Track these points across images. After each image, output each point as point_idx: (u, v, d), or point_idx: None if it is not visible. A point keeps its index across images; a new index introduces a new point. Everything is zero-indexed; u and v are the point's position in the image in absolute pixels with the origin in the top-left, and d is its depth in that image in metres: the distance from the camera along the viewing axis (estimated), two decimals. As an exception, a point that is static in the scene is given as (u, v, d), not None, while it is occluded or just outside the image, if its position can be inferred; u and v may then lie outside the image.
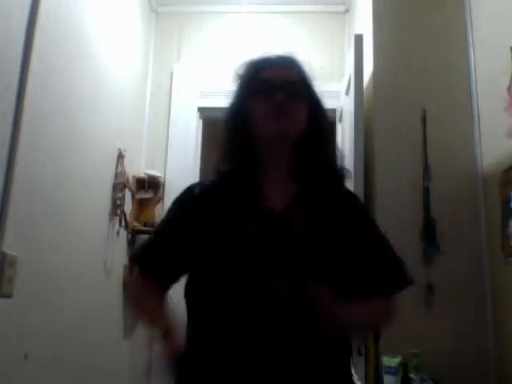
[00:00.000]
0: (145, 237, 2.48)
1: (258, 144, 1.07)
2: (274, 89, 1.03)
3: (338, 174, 1.11)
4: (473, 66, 2.18)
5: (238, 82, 1.12)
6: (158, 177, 2.80)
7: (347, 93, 2.40)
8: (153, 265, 1.09)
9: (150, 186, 2.75)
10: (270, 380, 0.90)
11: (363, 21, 2.51)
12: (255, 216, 1.01)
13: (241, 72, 1.12)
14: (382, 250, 1.09)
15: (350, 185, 2.18)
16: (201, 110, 3.00)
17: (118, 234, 2.42)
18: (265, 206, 1.02)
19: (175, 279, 1.11)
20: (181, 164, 2.87)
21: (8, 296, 1.42)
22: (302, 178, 1.07)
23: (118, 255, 2.44)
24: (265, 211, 1.02)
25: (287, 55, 1.12)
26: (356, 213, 1.11)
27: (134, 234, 2.65)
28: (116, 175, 2.43)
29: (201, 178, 2.83)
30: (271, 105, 1.02)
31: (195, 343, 0.99)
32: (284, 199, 1.03)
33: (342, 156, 1.15)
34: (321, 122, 1.10)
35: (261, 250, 0.96)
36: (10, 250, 1.42)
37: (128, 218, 2.54)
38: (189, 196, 1.11)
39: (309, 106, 1.07)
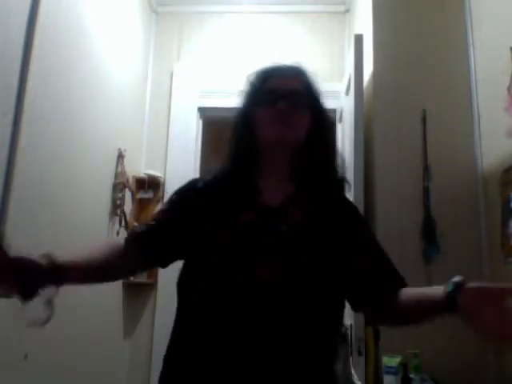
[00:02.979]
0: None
1: (261, 148, 1.13)
2: (277, 98, 1.08)
3: (337, 182, 1.15)
4: (473, 66, 2.18)
5: (247, 89, 1.18)
6: (157, 177, 2.80)
7: (347, 93, 2.39)
8: (135, 240, 1.11)
9: (150, 186, 2.76)
10: (245, 380, 0.92)
11: (363, 21, 2.51)
12: (251, 209, 1.06)
13: (251, 79, 1.18)
14: (378, 253, 1.14)
15: (349, 185, 2.19)
16: (201, 109, 3.00)
17: (117, 234, 2.42)
18: (261, 201, 1.08)
19: (155, 260, 1.13)
20: (181, 164, 2.87)
21: (8, 296, 1.42)
22: (299, 180, 1.13)
23: (118, 255, 2.44)
24: (260, 205, 1.07)
25: (295, 65, 1.18)
26: (352, 219, 1.15)
27: (133, 233, 2.65)
28: (116, 175, 2.43)
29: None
30: (273, 113, 1.08)
31: (179, 336, 1.02)
32: (280, 197, 1.09)
33: (344, 166, 1.21)
34: (322, 130, 1.15)
35: (255, 241, 1.01)
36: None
37: (128, 218, 2.55)
38: (191, 188, 1.15)
39: (312, 114, 1.12)
